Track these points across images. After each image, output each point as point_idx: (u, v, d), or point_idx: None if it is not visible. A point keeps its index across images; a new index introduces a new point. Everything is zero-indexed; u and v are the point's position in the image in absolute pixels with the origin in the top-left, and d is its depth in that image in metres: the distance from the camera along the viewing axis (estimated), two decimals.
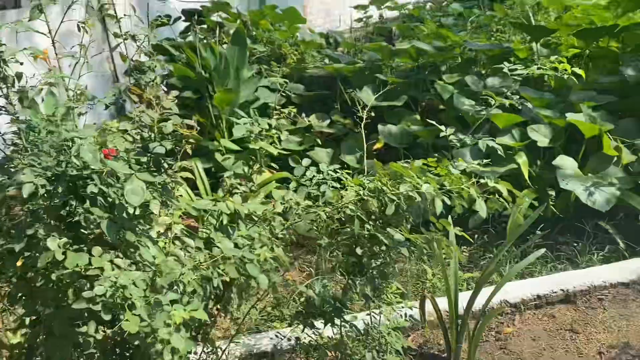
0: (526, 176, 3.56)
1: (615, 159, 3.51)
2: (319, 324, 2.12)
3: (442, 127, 3.23)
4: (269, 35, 5.85)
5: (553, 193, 3.64)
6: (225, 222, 1.88)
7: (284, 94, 4.43)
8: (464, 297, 2.55)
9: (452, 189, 1.66)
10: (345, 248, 1.77)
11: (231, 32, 4.90)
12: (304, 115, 4.38)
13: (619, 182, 3.37)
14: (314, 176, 1.79)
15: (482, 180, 1.78)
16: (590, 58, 4.59)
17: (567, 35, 4.95)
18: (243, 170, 3.21)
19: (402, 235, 1.68)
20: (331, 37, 5.99)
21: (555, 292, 2.89)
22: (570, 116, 3.64)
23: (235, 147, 3.89)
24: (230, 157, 3.77)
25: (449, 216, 1.95)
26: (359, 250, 1.66)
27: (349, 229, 1.64)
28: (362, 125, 3.89)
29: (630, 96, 4.09)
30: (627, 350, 2.54)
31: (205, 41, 4.74)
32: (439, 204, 1.61)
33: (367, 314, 2.28)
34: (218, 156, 3.85)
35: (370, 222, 1.64)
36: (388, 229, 1.66)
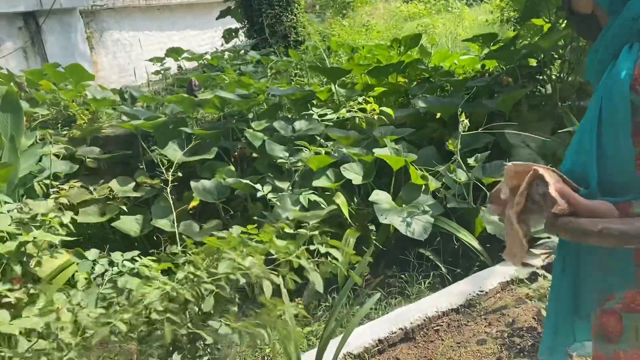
0: (347, 215, 3.53)
1: (424, 187, 3.67)
2: None
3: (258, 186, 3.05)
4: (52, 96, 5.18)
5: (373, 227, 3.68)
6: None
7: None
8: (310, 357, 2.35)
9: (281, 261, 1.43)
10: (162, 352, 1.42)
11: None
12: (102, 181, 3.88)
13: (431, 209, 3.51)
14: (106, 270, 1.42)
15: (312, 247, 1.58)
16: (383, 94, 4.84)
17: (360, 75, 5.23)
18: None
19: (229, 325, 1.39)
20: (126, 93, 5.51)
21: (395, 332, 2.82)
22: (377, 151, 3.74)
23: None
24: None
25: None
26: (176, 358, 1.32)
27: (159, 332, 1.30)
28: (169, 187, 3.54)
29: (425, 127, 4.39)
30: None
31: None
32: (267, 284, 1.36)
33: None
34: None
35: (187, 317, 1.33)
36: (210, 322, 1.36)
